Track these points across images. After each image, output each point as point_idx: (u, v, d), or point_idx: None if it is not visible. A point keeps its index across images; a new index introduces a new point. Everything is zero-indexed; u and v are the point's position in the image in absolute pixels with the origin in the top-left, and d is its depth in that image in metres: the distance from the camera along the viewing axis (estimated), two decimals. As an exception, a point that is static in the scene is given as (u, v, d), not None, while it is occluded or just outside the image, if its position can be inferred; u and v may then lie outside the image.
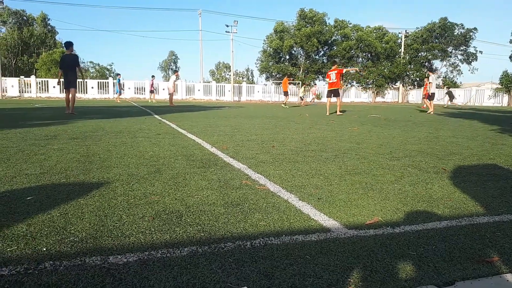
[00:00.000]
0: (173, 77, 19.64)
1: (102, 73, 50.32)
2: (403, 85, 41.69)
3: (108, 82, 34.49)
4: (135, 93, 34.78)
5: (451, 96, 27.74)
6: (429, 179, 3.20)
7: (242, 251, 1.70)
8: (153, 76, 27.37)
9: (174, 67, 75.23)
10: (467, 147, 5.17)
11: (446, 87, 31.57)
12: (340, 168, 3.58)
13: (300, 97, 28.66)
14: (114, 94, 30.36)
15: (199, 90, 36.57)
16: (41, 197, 2.42)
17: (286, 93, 21.42)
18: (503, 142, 5.81)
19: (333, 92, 13.11)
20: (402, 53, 41.31)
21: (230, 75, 48.82)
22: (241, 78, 63.02)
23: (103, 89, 34.14)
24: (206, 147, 4.72)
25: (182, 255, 1.64)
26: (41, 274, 1.45)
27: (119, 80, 26.21)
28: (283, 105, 20.93)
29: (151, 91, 27.22)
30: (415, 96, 41.56)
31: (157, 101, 26.52)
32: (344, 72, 12.92)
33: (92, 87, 33.72)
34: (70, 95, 10.71)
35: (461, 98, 35.85)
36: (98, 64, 51.66)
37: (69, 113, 10.39)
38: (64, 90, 10.96)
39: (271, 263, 1.60)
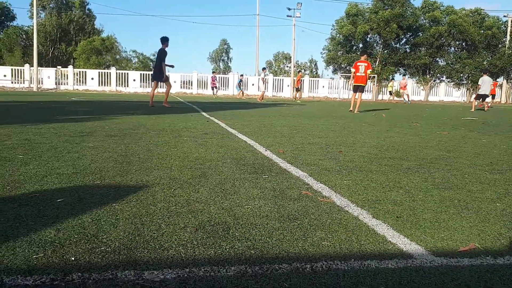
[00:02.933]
0: (262, 74, 24.64)
1: (146, 64, 52.42)
2: (507, 81, 39.28)
3: (151, 74, 35.88)
4: (181, 87, 35.89)
5: None
6: (543, 199, 2.95)
7: (301, 275, 1.65)
8: (214, 72, 30.17)
9: (225, 57, 76.83)
10: None
11: None
12: (425, 180, 3.42)
13: (390, 92, 32.32)
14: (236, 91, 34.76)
15: (253, 84, 36.98)
16: (73, 199, 2.52)
17: (297, 89, 26.23)
18: None
19: (360, 88, 13.92)
20: (507, 42, 38.92)
21: (290, 67, 48.81)
22: (303, 71, 62.91)
23: (145, 82, 35.57)
24: (260, 150, 4.72)
25: (228, 275, 1.63)
26: (68, 287, 1.50)
27: (240, 80, 32.27)
28: (295, 100, 25.42)
29: (214, 87, 29.59)
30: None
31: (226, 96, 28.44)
32: (370, 70, 13.89)
33: (134, 80, 35.28)
34: (165, 89, 13.89)
35: None
36: (142, 54, 53.81)
37: (152, 106, 12.59)
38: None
39: (336, 292, 1.53)
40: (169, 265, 1.70)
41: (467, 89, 39.48)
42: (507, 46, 38.77)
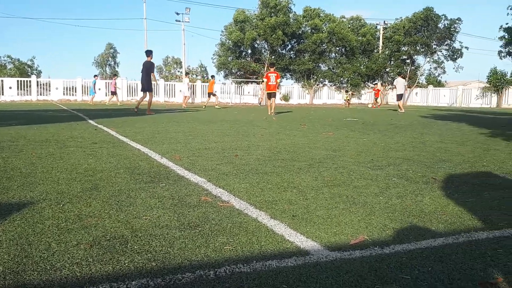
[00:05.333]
0: (186, 80, 25.14)
1: (22, 70, 48.40)
2: (382, 84, 43.06)
3: (30, 81, 33.19)
4: (64, 94, 33.74)
5: None
6: (418, 190, 3.27)
7: (205, 282, 1.65)
8: (115, 75, 27.90)
9: (112, 62, 73.87)
10: (458, 153, 5.37)
11: None
12: (316, 179, 3.60)
13: (347, 100, 33.73)
14: (87, 96, 30.84)
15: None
16: None
17: (210, 95, 25.30)
18: (496, 147, 6.08)
19: (272, 94, 16.23)
20: (380, 47, 42.64)
21: (181, 72, 48.49)
22: (195, 76, 62.71)
23: (24, 90, 32.84)
24: (155, 157, 4.62)
25: (129, 291, 1.57)
26: None
27: (95, 81, 28.43)
28: (203, 106, 24.95)
29: (113, 93, 27.09)
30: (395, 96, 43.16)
31: (121, 103, 26.61)
32: (280, 79, 17.16)
33: (10, 87, 32.31)
34: (147, 98, 14.95)
35: (446, 98, 37.42)
36: (18, 60, 49.52)
37: (148, 113, 13.94)
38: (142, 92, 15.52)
39: (241, 295, 1.55)
40: (63, 286, 1.59)
41: (347, 91, 42.48)
42: (380, 51, 42.44)
